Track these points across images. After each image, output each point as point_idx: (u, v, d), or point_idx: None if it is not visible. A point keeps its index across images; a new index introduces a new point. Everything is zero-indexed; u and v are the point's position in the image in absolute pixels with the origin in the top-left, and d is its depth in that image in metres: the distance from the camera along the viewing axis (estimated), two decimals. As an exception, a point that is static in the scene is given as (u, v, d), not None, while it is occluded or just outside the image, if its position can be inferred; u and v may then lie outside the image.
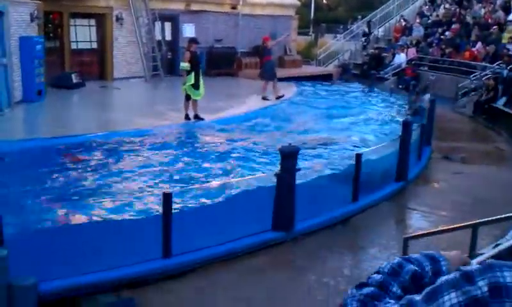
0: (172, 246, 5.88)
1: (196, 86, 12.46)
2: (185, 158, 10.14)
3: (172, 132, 12.23)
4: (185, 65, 12.40)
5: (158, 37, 20.29)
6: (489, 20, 22.78)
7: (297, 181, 6.99)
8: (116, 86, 18.03)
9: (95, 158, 9.95)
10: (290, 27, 25.08)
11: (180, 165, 9.69)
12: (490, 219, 4.88)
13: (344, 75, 24.03)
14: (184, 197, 7.28)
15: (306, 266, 6.38)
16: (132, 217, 6.97)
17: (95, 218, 6.94)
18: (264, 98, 16.46)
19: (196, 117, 12.90)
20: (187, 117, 12.84)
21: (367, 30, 27.67)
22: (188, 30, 21.12)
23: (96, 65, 19.36)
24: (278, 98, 16.53)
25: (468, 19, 23.70)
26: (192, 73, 12.32)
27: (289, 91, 18.42)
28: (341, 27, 33.30)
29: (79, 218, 6.84)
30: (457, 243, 6.20)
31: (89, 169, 9.19)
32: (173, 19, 21.24)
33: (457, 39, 22.52)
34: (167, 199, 5.78)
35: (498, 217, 4.89)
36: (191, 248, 6.06)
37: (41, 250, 5.39)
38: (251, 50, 22.99)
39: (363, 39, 27.43)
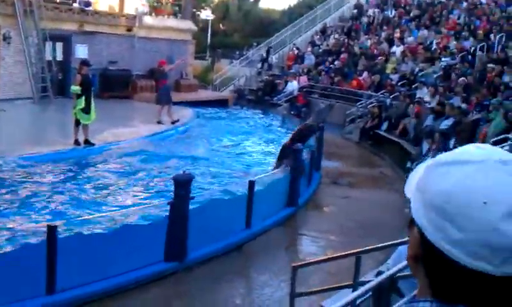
0: (57, 281, 5.62)
1: (86, 110, 12.02)
2: (74, 187, 9.75)
3: (60, 159, 11.70)
4: (75, 88, 11.97)
5: (48, 57, 19.47)
6: (375, 51, 24.29)
7: (191, 209, 6.97)
8: (1, 108, 17.01)
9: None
10: (187, 52, 25.14)
11: (68, 195, 9.29)
12: (372, 247, 5.16)
13: (239, 101, 24.42)
14: (70, 230, 6.98)
15: (199, 296, 6.36)
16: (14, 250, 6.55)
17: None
18: (159, 123, 16.31)
19: (87, 142, 12.49)
20: (76, 142, 12.34)
21: (265, 55, 28.38)
22: (81, 51, 20.50)
23: (-19, 85, 18.20)
24: (173, 123, 16.45)
25: (356, 49, 25.09)
26: (83, 97, 11.89)
27: (184, 115, 18.39)
28: (237, 52, 33.94)
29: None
30: (344, 268, 6.48)
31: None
32: (65, 39, 20.52)
33: (345, 68, 23.74)
34: (51, 232, 5.53)
35: (380, 245, 5.20)
36: (77, 283, 5.82)
37: None
38: (147, 73, 22.73)
39: (259, 65, 28.08)
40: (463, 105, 14.87)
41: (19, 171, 10.48)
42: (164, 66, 17.04)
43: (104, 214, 7.81)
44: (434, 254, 0.86)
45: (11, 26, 18.28)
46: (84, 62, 12.79)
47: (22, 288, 5.47)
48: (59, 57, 20.47)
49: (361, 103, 19.64)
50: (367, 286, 4.21)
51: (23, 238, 6.82)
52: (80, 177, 10.58)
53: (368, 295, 4.31)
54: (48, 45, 19.44)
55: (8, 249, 6.48)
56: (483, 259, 0.82)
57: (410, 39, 24.00)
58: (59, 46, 20.44)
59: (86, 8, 21.15)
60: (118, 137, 14.01)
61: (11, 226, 7.53)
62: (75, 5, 21.12)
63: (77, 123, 12.25)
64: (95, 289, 5.92)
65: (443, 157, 0.90)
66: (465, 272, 0.83)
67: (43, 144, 12.37)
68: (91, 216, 7.79)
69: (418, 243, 0.90)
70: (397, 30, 25.29)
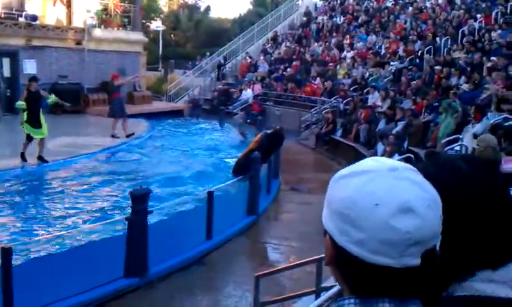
0: (14, 304, 5.42)
1: (35, 124, 11.96)
2: (27, 206, 9.45)
3: (12, 177, 11.35)
4: (20, 103, 12.07)
5: (-5, 74, 18.91)
6: (326, 58, 24.65)
7: (150, 223, 6.86)
8: None
9: None
10: (139, 63, 24.88)
11: (21, 214, 9.00)
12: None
13: (195, 111, 24.30)
14: (26, 251, 6.76)
15: (162, 311, 6.26)
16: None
17: None
18: (114, 136, 16.05)
19: (40, 159, 12.20)
20: (22, 156, 12.06)
21: (222, 61, 28.35)
22: (29, 66, 20.00)
23: None
24: (128, 136, 16.22)
25: (307, 56, 25.39)
26: (26, 112, 11.86)
27: (139, 128, 18.17)
28: (190, 63, 33.80)
29: None
30: (307, 274, 6.50)
31: None
32: (12, 55, 19.96)
33: (298, 75, 23.99)
34: (6, 254, 5.33)
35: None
36: (35, 305, 5.63)
37: None
38: (99, 86, 22.34)
39: (213, 74, 28.02)
40: (413, 108, 15.25)
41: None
42: (115, 79, 16.79)
43: (60, 233, 7.60)
44: (344, 255, 0.95)
45: (-46, 42, 17.66)
46: (33, 78, 12.75)
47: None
48: (7, 73, 19.89)
49: (315, 110, 19.87)
50: (332, 291, 4.23)
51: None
52: (33, 195, 10.26)
53: (331, 301, 4.33)
54: (-5, 61, 18.88)
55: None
56: (383, 254, 0.92)
57: (359, 44, 24.49)
58: (6, 62, 19.91)
59: (33, 22, 20.65)
60: (73, 152, 13.70)
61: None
62: (21, 19, 20.58)
63: (28, 138, 12.04)
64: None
65: (345, 170, 1.01)
66: (372, 268, 0.93)
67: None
68: (46, 235, 7.56)
69: (330, 248, 0.99)
70: (347, 36, 25.76)
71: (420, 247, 0.92)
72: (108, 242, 6.96)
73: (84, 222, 8.61)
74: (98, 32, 23.10)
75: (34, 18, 20.98)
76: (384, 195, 0.93)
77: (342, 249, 0.95)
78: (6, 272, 5.33)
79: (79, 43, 22.09)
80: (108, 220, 8.25)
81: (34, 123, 11.93)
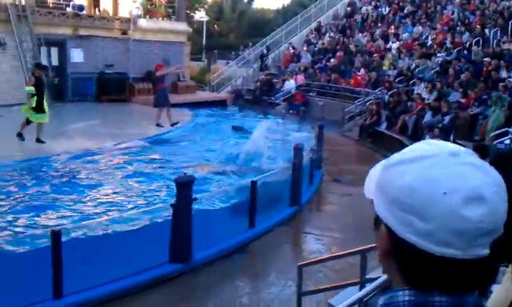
0: (63, 286, 5.58)
1: (38, 109, 12.64)
2: (77, 190, 9.69)
3: (62, 161, 11.67)
4: (29, 89, 12.68)
5: (44, 62, 19.38)
6: (371, 48, 24.29)
7: (194, 211, 6.94)
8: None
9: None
10: (183, 53, 25.11)
11: (71, 197, 9.24)
12: (376, 244, 5.11)
13: (237, 101, 24.39)
14: (73, 234, 6.94)
15: (205, 297, 6.33)
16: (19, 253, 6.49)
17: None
18: (158, 125, 16.26)
19: (38, 140, 12.84)
20: (19, 135, 12.78)
21: (265, 52, 28.32)
22: (76, 55, 20.47)
23: (-24, 92, 18.14)
24: (173, 125, 16.40)
25: (352, 47, 25.08)
26: (35, 97, 12.56)
27: (183, 117, 18.35)
28: (233, 53, 33.90)
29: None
30: (349, 265, 6.46)
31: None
32: (60, 44, 20.46)
33: (341, 66, 23.74)
34: (56, 237, 5.49)
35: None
36: (83, 287, 5.78)
37: None
38: (143, 76, 22.69)
39: (255, 65, 28.03)
40: (462, 100, 14.88)
41: (21, 173, 10.45)
42: (160, 69, 16.98)
43: (107, 217, 7.77)
44: (404, 247, 0.90)
45: (5, 32, 18.23)
46: (38, 65, 13.80)
47: (29, 293, 5.42)
48: (55, 62, 20.41)
49: (359, 101, 19.64)
50: (377, 283, 4.18)
51: (27, 242, 6.78)
52: (80, 180, 10.52)
53: (375, 292, 4.28)
54: (44, 50, 19.38)
55: (12, 252, 6.44)
56: (450, 245, 0.87)
57: (405, 35, 24.03)
58: (54, 51, 20.39)
59: (80, 12, 21.09)
60: (118, 139, 13.98)
61: (16, 226, 7.50)
62: (69, 9, 21.05)
63: (27, 121, 12.78)
64: (100, 293, 5.88)
65: (398, 156, 0.96)
66: (435, 260, 0.88)
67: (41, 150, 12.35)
68: (95, 220, 7.75)
69: (386, 239, 0.94)
70: (392, 27, 25.31)
71: (490, 236, 0.88)
72: (154, 227, 7.08)
73: (130, 208, 8.77)
74: (143, 23, 23.42)
75: (81, 8, 21.43)
76: (451, 182, 0.88)
77: (401, 240, 0.90)
78: (56, 254, 5.48)
79: (124, 33, 22.45)
80: (153, 206, 8.41)
81: (39, 108, 12.62)
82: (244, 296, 6.33)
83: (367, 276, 5.20)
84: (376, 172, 1.00)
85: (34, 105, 12.56)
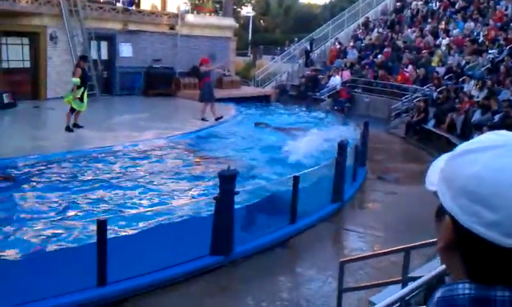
0: (107, 274, 5.72)
1: (81, 98, 13.47)
2: (120, 181, 9.92)
3: (106, 153, 11.94)
4: (76, 80, 13.37)
5: (94, 56, 19.89)
6: (420, 44, 23.78)
7: (236, 204, 6.99)
8: (50, 106, 17.49)
9: (26, 181, 9.55)
10: (229, 48, 25.25)
11: (115, 188, 9.45)
12: (422, 242, 5.03)
13: (281, 97, 24.35)
14: (118, 224, 7.11)
15: (245, 290, 6.37)
16: (65, 245, 6.70)
17: (27, 245, 6.62)
18: (203, 119, 16.43)
19: (76, 125, 13.70)
20: (68, 128, 13.50)
21: (309, 48, 28.17)
22: (125, 50, 20.87)
23: (29, 85, 18.75)
24: (217, 119, 16.54)
25: (400, 43, 24.64)
26: (81, 89, 13.37)
27: (227, 111, 18.47)
28: (278, 48, 33.85)
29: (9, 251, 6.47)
30: (391, 264, 6.38)
31: (18, 193, 8.81)
32: (109, 38, 20.91)
33: (389, 62, 23.35)
34: (101, 226, 5.63)
35: (430, 241, 5.05)
36: (126, 276, 5.92)
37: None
38: (189, 71, 22.95)
39: (300, 61, 27.91)
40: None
41: (62, 165, 10.76)
42: (205, 64, 17.13)
43: (151, 209, 7.92)
44: (469, 238, 0.89)
45: (57, 26, 18.76)
46: (83, 57, 14.75)
47: (74, 279, 5.60)
48: (104, 56, 20.88)
49: (406, 98, 19.28)
50: (419, 281, 4.10)
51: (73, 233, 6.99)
52: (127, 172, 10.75)
53: (418, 291, 4.20)
54: (93, 44, 19.86)
55: (63, 244, 6.66)
56: None
57: (456, 31, 23.42)
58: (103, 45, 20.85)
59: (130, 8, 21.49)
60: (164, 132, 14.23)
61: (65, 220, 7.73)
62: (119, 4, 21.48)
63: (72, 110, 13.56)
64: (144, 281, 6.00)
65: (465, 146, 0.95)
66: (501, 252, 0.86)
67: (90, 140, 12.70)
68: (138, 210, 7.91)
69: (451, 231, 0.93)
70: (442, 22, 24.70)
71: None
72: (196, 220, 7.17)
73: (174, 200, 8.90)
74: (190, 18, 23.66)
75: (131, 3, 21.82)
76: None
77: (466, 231, 0.89)
78: (101, 243, 5.62)
79: (172, 28, 22.73)
80: (196, 199, 8.51)
81: (81, 98, 13.44)
82: (284, 291, 6.33)
83: (410, 275, 5.12)
84: (439, 163, 1.00)
85: (79, 95, 13.33)
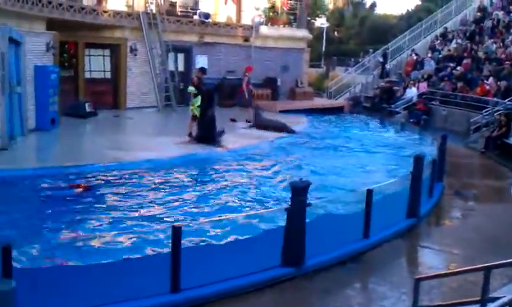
0: (180, 281, 5.83)
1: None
2: (196, 189, 10.14)
3: (182, 162, 12.23)
4: (191, 89, 14.19)
5: (171, 68, 20.50)
6: (502, 56, 22.81)
7: (308, 215, 6.94)
8: (129, 116, 18.17)
9: (103, 188, 9.94)
10: (302, 59, 25.26)
11: (191, 197, 9.66)
12: (504, 262, 4.79)
13: (355, 108, 24.06)
14: (192, 232, 7.24)
15: (316, 303, 6.30)
16: (138, 253, 6.88)
17: (100, 251, 6.85)
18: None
19: (190, 134, 14.24)
20: (190, 135, 14.08)
21: (382, 60, 27.71)
22: (201, 61, 21.34)
23: (110, 95, 19.61)
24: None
25: (480, 54, 23.74)
26: (199, 96, 13.97)
27: (299, 122, 18.46)
28: (352, 60, 33.50)
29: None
30: (469, 283, 6.12)
31: (97, 200, 9.18)
32: (186, 51, 21.50)
33: (468, 74, 22.53)
34: (176, 233, 5.75)
35: (512, 260, 4.81)
36: (199, 283, 6.01)
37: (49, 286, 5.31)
38: (263, 82, 23.14)
39: (374, 72, 27.49)
40: None
41: (140, 171, 11.11)
42: (249, 71, 19.20)
43: (223, 216, 8.02)
44: None
45: (137, 38, 19.52)
46: (203, 69, 15.23)
47: (148, 288, 5.74)
48: (181, 67, 21.47)
49: (487, 111, 18.50)
50: (500, 302, 3.88)
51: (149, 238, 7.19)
52: (200, 180, 10.96)
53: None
54: (171, 56, 20.47)
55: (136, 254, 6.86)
56: None
57: (541, 42, 22.30)
58: (180, 57, 21.46)
59: (206, 20, 22.00)
60: (238, 143, 14.44)
61: (136, 225, 7.98)
62: (196, 17, 22.04)
63: (194, 118, 14.10)
64: (216, 290, 6.07)
65: None
66: None
67: (168, 150, 13.06)
68: (211, 218, 8.04)
69: None
70: (526, 33, 23.61)
71: None
72: (268, 230, 7.19)
73: (245, 210, 8.98)
74: (264, 30, 23.88)
75: (207, 16, 22.34)
76: None
77: None
78: (176, 249, 5.74)
79: (246, 40, 23.06)
80: (268, 210, 8.54)
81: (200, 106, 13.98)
82: (355, 306, 6.20)
83: (491, 295, 4.88)
84: None
85: (198, 103, 13.89)
